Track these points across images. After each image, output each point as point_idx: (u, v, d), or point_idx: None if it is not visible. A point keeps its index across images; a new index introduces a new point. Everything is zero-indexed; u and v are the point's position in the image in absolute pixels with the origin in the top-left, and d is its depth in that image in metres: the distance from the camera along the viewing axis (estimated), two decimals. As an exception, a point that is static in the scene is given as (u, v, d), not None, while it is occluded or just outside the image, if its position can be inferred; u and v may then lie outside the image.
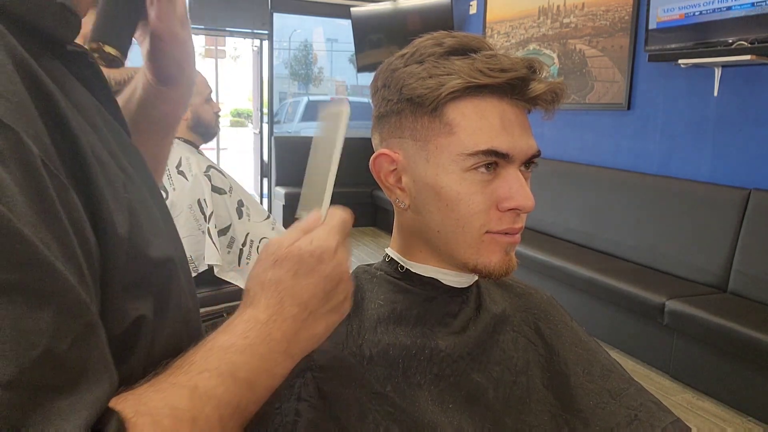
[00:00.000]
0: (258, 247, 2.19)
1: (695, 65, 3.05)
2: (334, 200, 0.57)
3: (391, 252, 0.74)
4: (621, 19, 3.60)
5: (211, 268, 2.05)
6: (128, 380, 0.44)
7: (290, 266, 0.52)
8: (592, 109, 3.88)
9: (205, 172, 2.14)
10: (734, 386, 2.55)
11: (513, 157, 0.65)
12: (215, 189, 2.14)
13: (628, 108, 3.61)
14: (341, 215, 0.56)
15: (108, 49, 0.62)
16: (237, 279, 2.13)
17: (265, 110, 6.80)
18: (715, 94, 3.06)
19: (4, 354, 0.34)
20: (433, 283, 0.71)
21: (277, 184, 5.88)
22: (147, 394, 0.43)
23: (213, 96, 2.25)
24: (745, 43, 2.73)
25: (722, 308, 2.62)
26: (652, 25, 3.24)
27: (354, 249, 4.80)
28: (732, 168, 3.04)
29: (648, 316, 2.87)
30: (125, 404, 0.40)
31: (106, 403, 0.39)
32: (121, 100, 0.70)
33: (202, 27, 6.03)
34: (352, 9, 5.33)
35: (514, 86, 0.65)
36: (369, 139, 0.74)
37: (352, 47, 5.49)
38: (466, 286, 0.73)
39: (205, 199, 2.08)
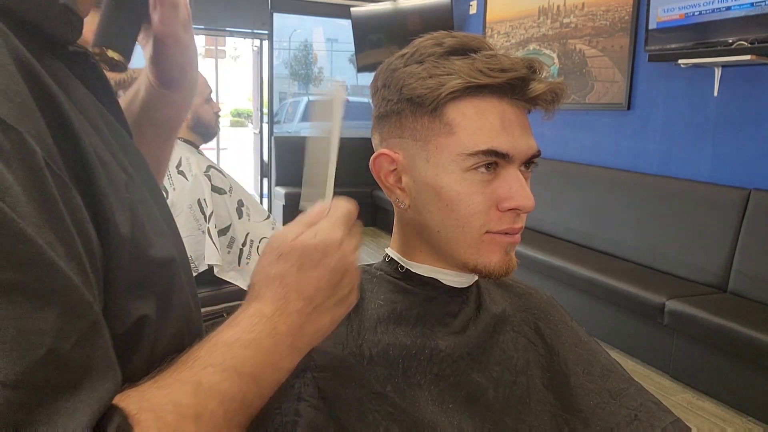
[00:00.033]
0: (258, 247, 2.19)
1: (695, 65, 3.05)
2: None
3: (391, 252, 0.74)
4: (621, 19, 3.60)
5: (211, 268, 2.05)
6: (132, 381, 0.44)
7: (295, 260, 0.52)
8: (592, 109, 3.88)
9: (205, 172, 2.14)
10: (734, 386, 2.55)
11: (513, 157, 0.65)
12: (215, 189, 2.14)
13: (628, 108, 3.61)
14: (346, 206, 0.56)
15: (111, 53, 0.63)
16: (237, 279, 2.13)
17: (265, 110, 6.80)
18: (715, 94, 3.06)
19: (8, 354, 0.34)
20: (433, 283, 0.71)
21: (277, 184, 5.88)
22: (150, 390, 0.43)
23: (213, 96, 2.25)
24: (745, 43, 2.73)
25: (722, 308, 2.62)
26: (652, 25, 3.24)
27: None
28: (732, 168, 3.04)
29: (648, 316, 2.87)
30: (129, 401, 0.40)
31: (110, 402, 0.39)
32: (123, 102, 0.71)
33: (202, 27, 6.03)
34: (352, 9, 5.33)
35: (514, 86, 0.65)
36: (369, 139, 0.74)
37: (352, 47, 5.49)
38: (466, 286, 0.73)
39: (205, 199, 2.08)
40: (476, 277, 0.74)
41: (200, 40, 8.22)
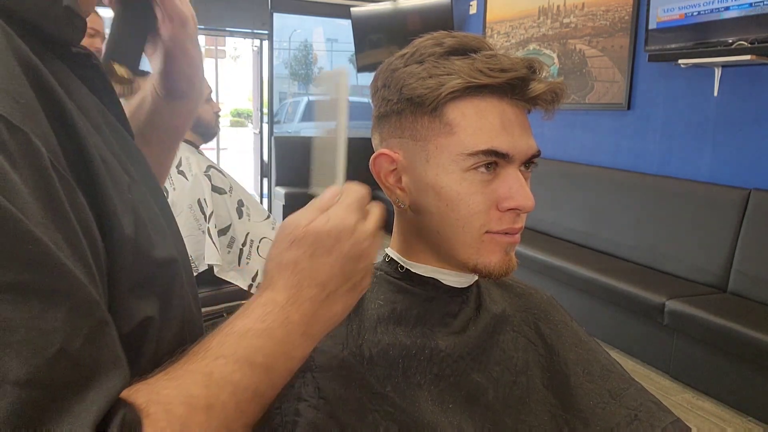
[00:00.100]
0: (258, 247, 2.19)
1: (695, 65, 3.05)
2: None
3: (391, 252, 0.74)
4: (621, 19, 3.60)
5: (211, 267, 2.05)
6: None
7: (307, 246, 0.51)
8: (592, 109, 3.88)
9: (205, 172, 2.14)
10: (734, 386, 2.55)
11: (513, 157, 0.65)
12: (215, 189, 2.14)
13: (628, 108, 3.61)
14: (358, 191, 0.55)
15: (119, 69, 0.63)
16: (237, 279, 2.13)
17: (265, 110, 6.80)
18: (715, 94, 3.06)
19: (20, 353, 0.34)
20: (433, 283, 0.71)
21: (277, 184, 5.88)
22: (160, 382, 0.43)
23: (213, 96, 2.26)
24: (745, 43, 2.73)
25: (722, 308, 2.62)
26: (652, 25, 3.24)
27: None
28: (732, 168, 3.04)
29: (648, 316, 2.87)
30: (137, 395, 0.40)
31: (117, 396, 0.39)
32: (128, 110, 0.71)
33: (202, 27, 6.02)
34: (352, 9, 5.32)
35: (514, 86, 0.65)
36: (369, 139, 0.74)
37: (352, 47, 5.49)
38: (466, 286, 0.73)
39: (205, 199, 2.08)
40: (476, 277, 0.74)
41: (200, 40, 8.19)
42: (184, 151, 2.13)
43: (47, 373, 0.35)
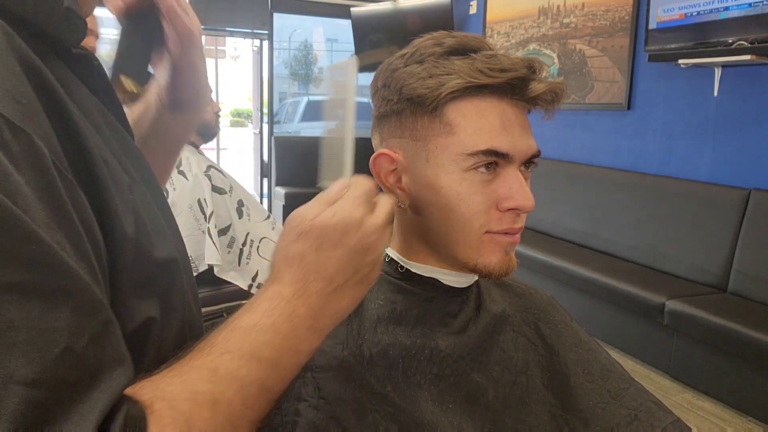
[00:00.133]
0: (258, 247, 2.19)
1: (695, 65, 3.05)
2: None
3: (391, 252, 0.74)
4: (621, 19, 3.60)
5: (211, 268, 2.05)
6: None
7: (313, 240, 0.51)
8: (592, 109, 3.88)
9: (205, 172, 2.14)
10: (734, 386, 2.55)
11: (513, 157, 0.65)
12: (215, 189, 2.14)
13: (628, 108, 3.60)
14: (366, 184, 0.55)
15: (126, 82, 0.64)
16: (237, 279, 2.13)
17: (265, 110, 6.80)
18: (715, 94, 3.06)
19: (26, 353, 0.34)
20: (433, 283, 0.71)
21: (277, 184, 5.88)
22: (165, 379, 0.43)
23: (213, 96, 2.26)
24: (745, 43, 2.73)
25: (722, 308, 2.62)
26: (652, 25, 3.24)
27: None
28: (732, 168, 3.04)
29: (648, 316, 2.87)
30: (142, 392, 0.40)
31: (120, 393, 0.39)
32: (131, 118, 0.72)
33: (203, 27, 6.01)
34: (352, 9, 5.32)
35: (514, 86, 0.65)
36: (369, 139, 0.74)
37: (352, 47, 5.49)
38: (466, 286, 0.73)
39: (205, 199, 2.08)
40: (476, 277, 0.74)
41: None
42: (184, 151, 2.13)
43: (53, 372, 0.35)
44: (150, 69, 0.71)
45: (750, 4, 2.72)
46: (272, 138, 6.08)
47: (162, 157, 0.79)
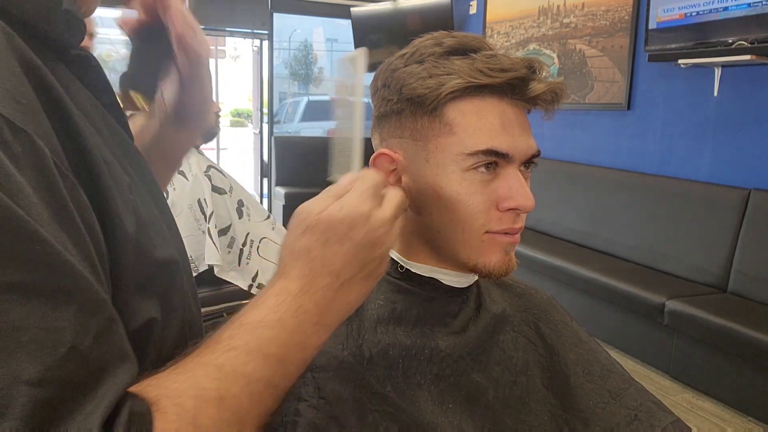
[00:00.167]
0: (258, 247, 2.19)
1: (695, 65, 3.05)
2: None
3: (391, 252, 0.74)
4: (621, 19, 3.60)
5: (211, 268, 2.05)
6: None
7: (320, 234, 0.50)
8: (592, 109, 3.88)
9: (205, 172, 2.14)
10: (734, 386, 2.55)
11: (513, 157, 0.65)
12: (215, 189, 2.14)
13: (628, 108, 3.61)
14: (374, 177, 0.54)
15: (136, 97, 0.65)
16: (237, 279, 2.13)
17: (265, 110, 6.80)
18: (715, 94, 3.06)
19: (31, 353, 0.34)
20: (433, 283, 0.71)
21: (277, 184, 5.88)
22: (170, 376, 0.43)
23: (213, 96, 2.26)
24: (745, 43, 2.73)
25: (722, 308, 2.62)
26: (652, 25, 3.24)
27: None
28: (732, 168, 3.04)
29: (648, 316, 2.87)
30: (148, 389, 0.41)
31: (124, 391, 0.39)
32: (133, 128, 0.72)
33: (203, 27, 6.01)
34: (352, 9, 5.32)
35: (514, 86, 0.65)
36: (369, 139, 0.74)
37: (352, 47, 5.49)
38: (466, 286, 0.73)
39: (205, 199, 2.08)
40: (476, 277, 0.74)
41: (200, 41, 8.20)
42: (184, 151, 2.13)
43: (59, 371, 0.35)
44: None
45: (750, 4, 2.72)
46: (272, 138, 6.08)
47: (162, 167, 0.80)
